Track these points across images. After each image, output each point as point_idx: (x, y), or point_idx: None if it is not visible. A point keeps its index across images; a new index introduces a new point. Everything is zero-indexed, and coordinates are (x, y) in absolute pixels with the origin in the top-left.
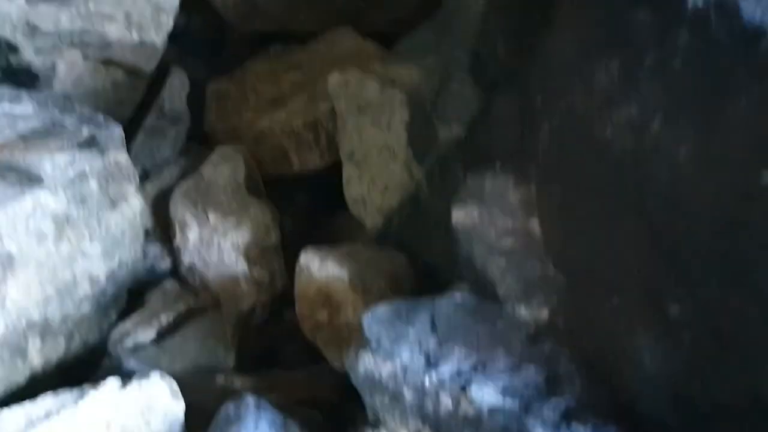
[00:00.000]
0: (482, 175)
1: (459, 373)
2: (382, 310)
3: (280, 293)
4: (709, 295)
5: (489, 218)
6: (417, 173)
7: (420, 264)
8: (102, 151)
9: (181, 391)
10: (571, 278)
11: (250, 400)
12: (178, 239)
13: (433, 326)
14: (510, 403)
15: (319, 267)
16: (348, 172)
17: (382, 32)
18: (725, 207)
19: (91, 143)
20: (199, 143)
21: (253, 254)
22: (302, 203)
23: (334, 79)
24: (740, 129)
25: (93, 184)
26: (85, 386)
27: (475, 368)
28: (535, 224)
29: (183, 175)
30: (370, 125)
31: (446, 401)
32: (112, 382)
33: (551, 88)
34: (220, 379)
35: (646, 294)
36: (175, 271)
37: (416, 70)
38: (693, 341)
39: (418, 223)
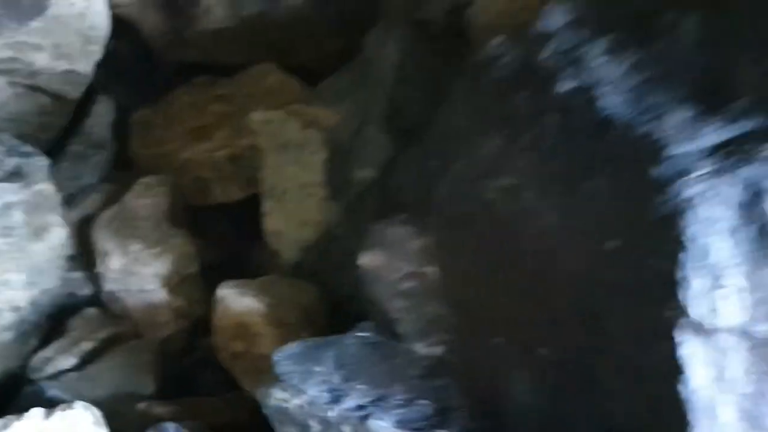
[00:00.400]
0: (388, 223)
1: (360, 407)
2: (293, 348)
3: (199, 321)
4: (570, 340)
5: (392, 263)
6: (332, 211)
7: (333, 297)
8: (28, 183)
9: (103, 418)
10: (462, 320)
11: (170, 426)
12: (100, 267)
13: (339, 363)
14: None
15: (235, 300)
16: (267, 206)
17: (307, 67)
18: (581, 267)
19: (17, 174)
20: (123, 170)
21: (173, 283)
22: (223, 233)
23: (256, 117)
24: (592, 204)
25: (18, 216)
26: (9, 417)
27: (374, 402)
28: (432, 270)
29: (106, 203)
30: (290, 163)
31: None
32: (36, 412)
33: (447, 152)
34: (141, 406)
35: (521, 337)
36: (96, 298)
37: (336, 113)
38: (556, 379)
39: (332, 258)
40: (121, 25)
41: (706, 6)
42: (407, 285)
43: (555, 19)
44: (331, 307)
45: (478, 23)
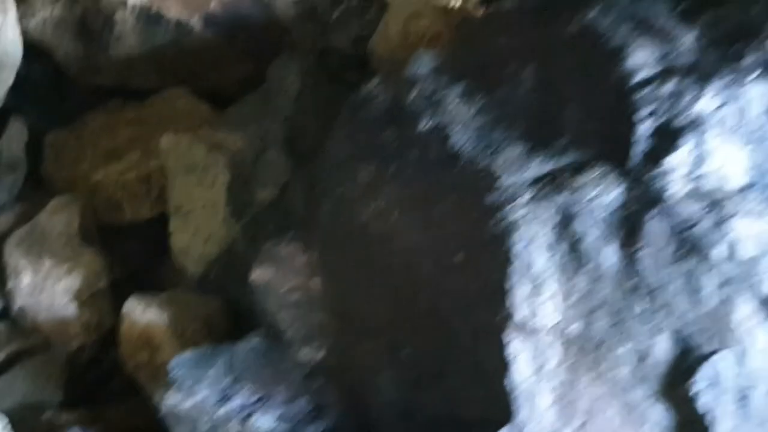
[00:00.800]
0: (278, 241)
1: (246, 406)
2: (187, 355)
3: (108, 334)
4: (426, 341)
5: (281, 277)
6: (235, 228)
7: (234, 308)
8: None
9: (11, 427)
10: (340, 326)
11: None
12: (11, 284)
13: (229, 368)
14: (283, 427)
15: (141, 313)
16: (174, 224)
17: (216, 92)
18: (436, 278)
19: None
20: (36, 191)
21: (83, 298)
22: (133, 250)
23: (165, 140)
24: (444, 224)
25: None
26: None
27: (259, 401)
28: (317, 283)
29: (19, 222)
30: (196, 184)
31: (234, 428)
32: None
33: (329, 178)
34: (48, 415)
35: (387, 340)
36: (6, 314)
37: (239, 138)
38: (415, 376)
39: (233, 273)
40: (34, 49)
41: (541, 58)
42: (294, 297)
43: (421, 65)
44: (233, 318)
45: (378, 54)
